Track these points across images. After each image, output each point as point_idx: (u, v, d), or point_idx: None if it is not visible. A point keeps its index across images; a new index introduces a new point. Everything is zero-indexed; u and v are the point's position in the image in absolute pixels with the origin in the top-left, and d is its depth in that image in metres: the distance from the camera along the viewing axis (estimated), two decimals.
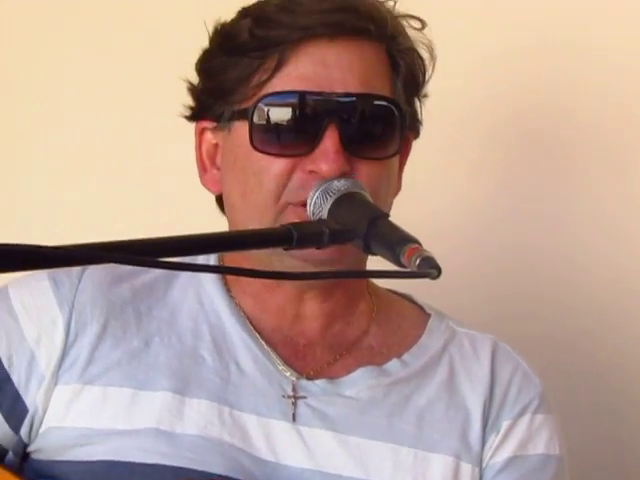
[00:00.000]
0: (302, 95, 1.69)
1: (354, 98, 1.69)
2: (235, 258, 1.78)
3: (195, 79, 1.84)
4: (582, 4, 2.60)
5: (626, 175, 2.60)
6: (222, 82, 1.76)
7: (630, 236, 2.59)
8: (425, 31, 1.87)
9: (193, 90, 1.83)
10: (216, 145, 1.80)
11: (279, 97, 1.70)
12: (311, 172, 1.65)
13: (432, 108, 1.93)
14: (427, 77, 1.83)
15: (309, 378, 1.74)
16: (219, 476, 1.66)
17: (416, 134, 1.85)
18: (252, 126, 1.70)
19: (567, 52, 2.61)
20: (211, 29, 1.80)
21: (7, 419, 1.73)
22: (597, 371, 2.62)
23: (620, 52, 2.58)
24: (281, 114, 1.71)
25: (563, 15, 2.59)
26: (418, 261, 1.36)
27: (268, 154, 1.70)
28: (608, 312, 2.62)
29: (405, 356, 1.80)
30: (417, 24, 1.79)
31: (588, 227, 2.61)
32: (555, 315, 2.61)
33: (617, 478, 2.55)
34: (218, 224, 1.80)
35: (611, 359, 2.61)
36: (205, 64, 1.80)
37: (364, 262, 1.70)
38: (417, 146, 1.91)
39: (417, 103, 1.84)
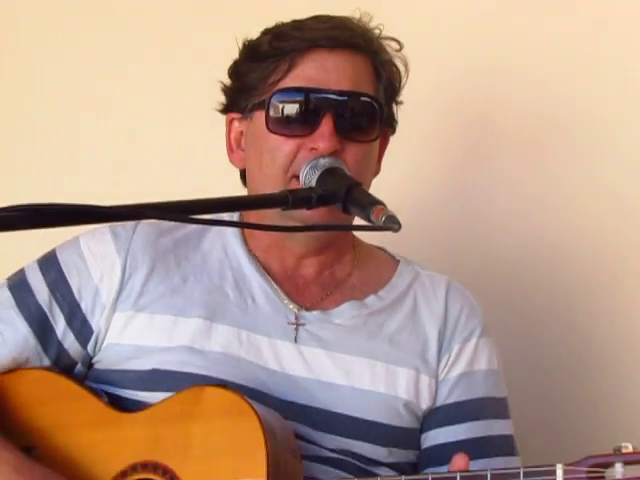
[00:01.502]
0: (306, 91, 1.93)
1: (346, 95, 1.92)
2: (251, 219, 1.97)
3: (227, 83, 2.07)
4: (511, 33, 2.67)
5: (542, 169, 2.66)
6: (246, 81, 2.00)
7: (543, 202, 2.64)
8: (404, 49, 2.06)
9: (225, 89, 2.05)
10: (241, 132, 2.02)
11: (289, 92, 1.94)
12: (312, 149, 1.88)
13: (405, 113, 2.10)
14: (402, 84, 2.05)
15: (307, 310, 1.97)
16: (236, 384, 1.84)
17: (393, 131, 2.07)
18: (268, 114, 1.94)
19: (501, 71, 2.66)
20: (241, 45, 2.02)
21: (77, 338, 1.96)
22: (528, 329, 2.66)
23: (542, 73, 2.65)
24: (290, 105, 1.93)
25: (498, 42, 2.67)
26: (384, 218, 1.62)
27: (280, 134, 1.92)
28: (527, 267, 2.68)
29: (380, 292, 2.02)
30: (396, 45, 2.02)
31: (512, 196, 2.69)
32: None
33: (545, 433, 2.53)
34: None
35: (539, 316, 2.64)
36: (235, 69, 2.04)
37: (349, 222, 1.87)
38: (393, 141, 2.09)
39: (394, 107, 2.06)
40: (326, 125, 1.89)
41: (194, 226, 1.98)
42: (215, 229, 2.00)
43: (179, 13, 2.93)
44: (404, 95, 2.07)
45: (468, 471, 1.65)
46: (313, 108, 1.92)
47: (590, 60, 2.65)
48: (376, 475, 1.81)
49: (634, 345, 2.61)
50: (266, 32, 2.00)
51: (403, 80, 2.05)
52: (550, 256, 2.65)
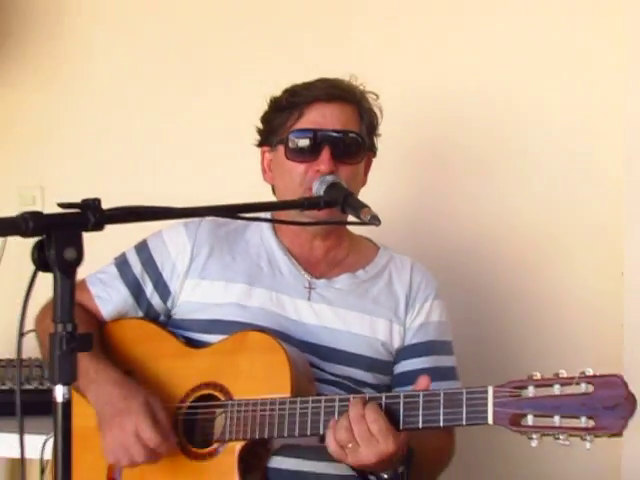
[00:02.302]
0: (312, 131, 1.92)
1: (339, 133, 1.92)
2: (280, 216, 1.93)
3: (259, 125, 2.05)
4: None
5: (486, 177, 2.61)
6: (272, 125, 2.00)
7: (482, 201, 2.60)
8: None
9: (259, 131, 2.05)
10: (270, 160, 2.02)
11: (300, 132, 1.93)
12: (317, 171, 1.88)
13: (382, 141, 2.09)
14: (379, 122, 2.05)
15: (317, 278, 1.97)
16: (270, 329, 1.85)
17: (374, 155, 2.07)
18: (287, 147, 1.94)
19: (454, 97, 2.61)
20: (269, 100, 2.02)
21: (161, 297, 1.97)
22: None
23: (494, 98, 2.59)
24: (301, 140, 1.93)
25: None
26: (369, 217, 1.67)
27: (295, 161, 1.93)
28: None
29: (366, 268, 2.02)
30: (374, 96, 2.02)
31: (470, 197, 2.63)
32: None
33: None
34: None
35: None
36: (265, 117, 2.03)
37: (345, 219, 1.88)
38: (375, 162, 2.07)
39: (375, 139, 2.06)
40: (325, 154, 1.89)
41: (240, 221, 1.99)
42: (255, 224, 2.01)
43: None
44: (381, 129, 2.07)
45: (427, 390, 1.65)
46: (317, 142, 1.92)
47: (533, 90, 2.59)
48: (363, 393, 1.80)
49: (546, 304, 2.59)
50: (285, 91, 2.00)
51: (379, 119, 2.04)
52: (490, 246, 2.62)
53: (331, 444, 1.63)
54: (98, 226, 1.28)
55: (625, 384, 1.42)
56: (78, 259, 1.23)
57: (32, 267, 1.23)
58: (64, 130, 2.91)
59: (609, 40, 2.53)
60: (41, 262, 1.22)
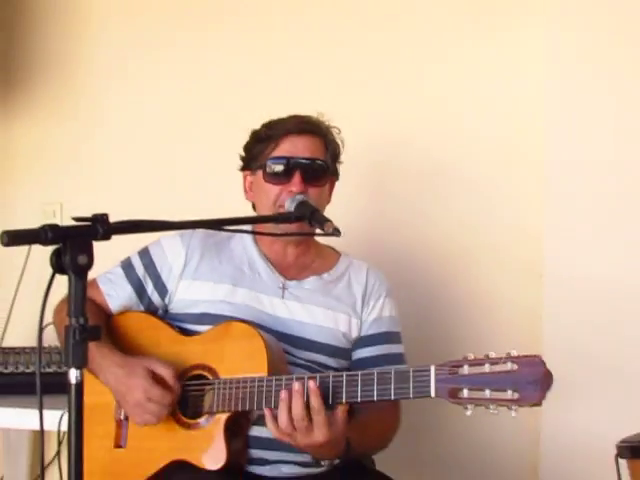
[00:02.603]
0: (286, 158, 1.91)
1: (308, 160, 1.92)
2: (258, 228, 1.92)
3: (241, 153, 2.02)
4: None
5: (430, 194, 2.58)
6: (252, 153, 1.99)
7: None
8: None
9: (242, 157, 2.03)
10: (251, 182, 2.00)
11: (276, 159, 1.91)
12: (289, 191, 1.88)
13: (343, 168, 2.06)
14: (341, 152, 2.04)
15: (289, 280, 1.94)
16: (250, 321, 1.82)
17: (337, 178, 2.05)
18: (264, 172, 1.93)
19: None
20: (250, 132, 2.00)
21: (159, 295, 1.94)
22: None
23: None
24: (276, 166, 1.92)
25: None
26: (332, 229, 1.70)
27: (271, 183, 1.93)
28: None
29: (330, 272, 1.98)
30: (337, 130, 2.02)
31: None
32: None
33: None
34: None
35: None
36: (246, 146, 2.01)
37: (312, 231, 1.84)
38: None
39: (337, 165, 2.05)
40: (297, 177, 1.89)
41: (225, 233, 1.95)
42: (238, 235, 1.99)
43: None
44: (343, 157, 2.07)
45: (381, 368, 1.68)
46: (289, 168, 1.91)
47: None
48: (327, 373, 1.76)
49: (478, 299, 2.58)
50: (263, 125, 1.99)
51: (341, 149, 2.04)
52: (429, 251, 2.61)
53: (273, 429, 1.64)
54: (106, 236, 1.29)
55: (543, 363, 1.44)
56: (89, 264, 1.25)
57: (50, 271, 1.25)
58: (80, 156, 2.94)
59: (529, 57, 2.48)
60: (58, 266, 1.24)
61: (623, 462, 1.54)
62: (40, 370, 1.36)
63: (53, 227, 1.23)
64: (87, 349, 1.24)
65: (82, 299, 1.25)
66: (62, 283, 1.26)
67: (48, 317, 1.66)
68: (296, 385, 1.60)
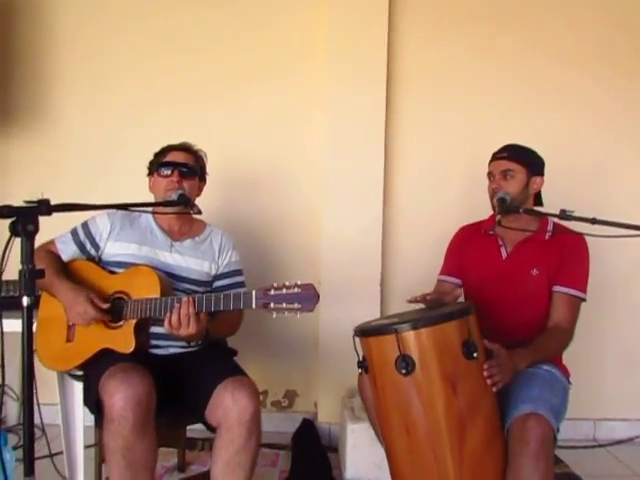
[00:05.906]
0: (170, 162, 1.83)
1: (183, 166, 1.83)
2: (156, 209, 1.80)
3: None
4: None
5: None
6: (152, 163, 1.90)
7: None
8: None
9: (148, 167, 1.93)
10: (153, 181, 1.89)
11: (164, 164, 1.83)
12: (172, 182, 1.79)
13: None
14: (205, 165, 1.93)
15: (175, 241, 1.85)
16: (151, 266, 1.74)
17: (205, 183, 1.93)
18: (158, 172, 1.84)
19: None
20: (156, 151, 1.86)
21: (95, 250, 1.83)
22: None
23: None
24: (163, 168, 1.84)
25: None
26: (196, 210, 1.68)
27: (161, 178, 1.83)
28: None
29: (200, 236, 1.89)
30: (203, 152, 1.93)
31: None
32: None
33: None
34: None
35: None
36: (150, 162, 1.91)
37: (187, 211, 1.73)
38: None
39: (205, 175, 1.94)
40: (175, 174, 1.80)
41: (137, 213, 1.86)
42: (144, 214, 1.87)
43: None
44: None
45: (226, 292, 1.60)
46: (172, 169, 1.82)
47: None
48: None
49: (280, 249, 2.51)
50: (161, 148, 1.89)
51: (205, 163, 1.93)
52: (255, 223, 2.45)
53: (167, 325, 1.56)
54: (47, 213, 1.19)
55: (314, 287, 1.43)
56: (35, 231, 1.16)
57: (8, 234, 1.15)
58: (57, 166, 2.53)
59: (313, 98, 2.37)
60: (14, 231, 1.16)
61: (357, 340, 1.50)
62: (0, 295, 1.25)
63: (9, 206, 1.14)
64: (35, 283, 1.13)
65: (30, 252, 1.14)
66: (17, 243, 1.14)
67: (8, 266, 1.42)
68: (184, 299, 1.54)
